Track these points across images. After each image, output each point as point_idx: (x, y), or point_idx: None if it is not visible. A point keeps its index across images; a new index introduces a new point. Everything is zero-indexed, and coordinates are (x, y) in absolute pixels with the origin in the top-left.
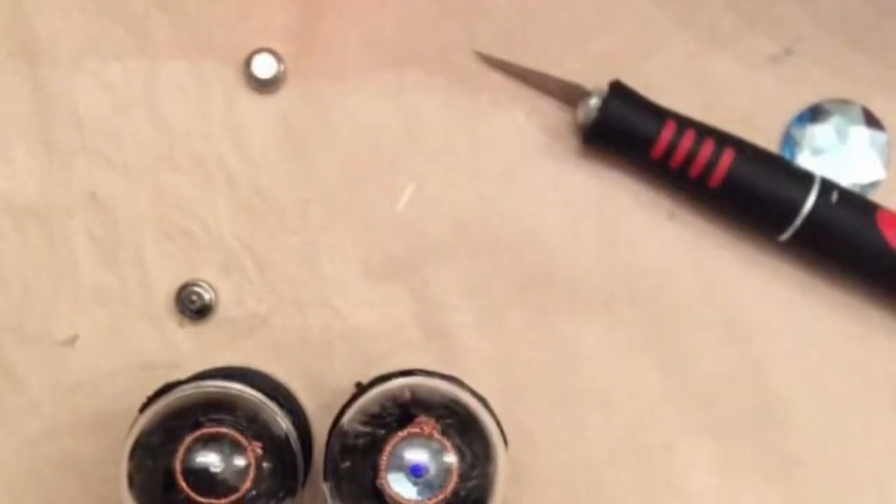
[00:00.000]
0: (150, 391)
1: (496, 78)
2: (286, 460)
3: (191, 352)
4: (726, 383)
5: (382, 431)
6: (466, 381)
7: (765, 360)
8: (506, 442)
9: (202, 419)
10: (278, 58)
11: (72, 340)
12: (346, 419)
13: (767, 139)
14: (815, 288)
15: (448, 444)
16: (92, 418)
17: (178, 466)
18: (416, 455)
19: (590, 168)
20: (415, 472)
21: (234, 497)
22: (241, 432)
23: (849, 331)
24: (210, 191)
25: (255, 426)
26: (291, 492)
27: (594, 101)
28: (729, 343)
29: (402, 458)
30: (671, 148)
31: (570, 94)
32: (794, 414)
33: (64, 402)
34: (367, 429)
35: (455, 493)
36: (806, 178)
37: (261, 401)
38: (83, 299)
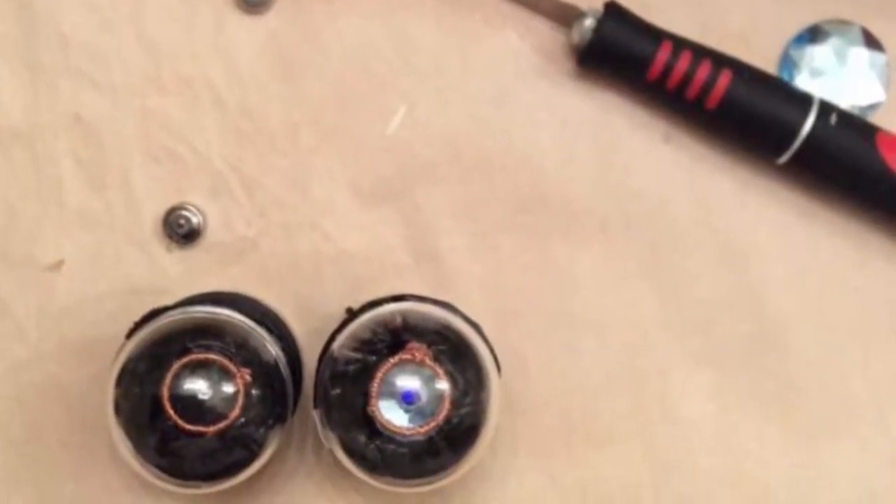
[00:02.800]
0: (136, 317)
1: None
2: (275, 387)
3: (178, 277)
4: (723, 309)
5: (373, 358)
6: (459, 306)
7: (762, 285)
8: (499, 368)
9: (190, 345)
10: None
11: (57, 265)
12: (336, 345)
13: (765, 61)
14: (814, 212)
15: (440, 370)
16: (78, 344)
17: (165, 393)
18: (408, 382)
19: (584, 90)
20: (406, 399)
21: (222, 424)
22: (230, 359)
23: (847, 255)
24: (198, 113)
25: (243, 352)
26: (281, 419)
27: (589, 22)
28: (725, 268)
29: (393, 384)
30: (667, 69)
31: (564, 15)
32: (791, 340)
33: (49, 327)
34: (358, 355)
35: (447, 420)
36: (804, 100)
37: (250, 327)
38: (69, 223)
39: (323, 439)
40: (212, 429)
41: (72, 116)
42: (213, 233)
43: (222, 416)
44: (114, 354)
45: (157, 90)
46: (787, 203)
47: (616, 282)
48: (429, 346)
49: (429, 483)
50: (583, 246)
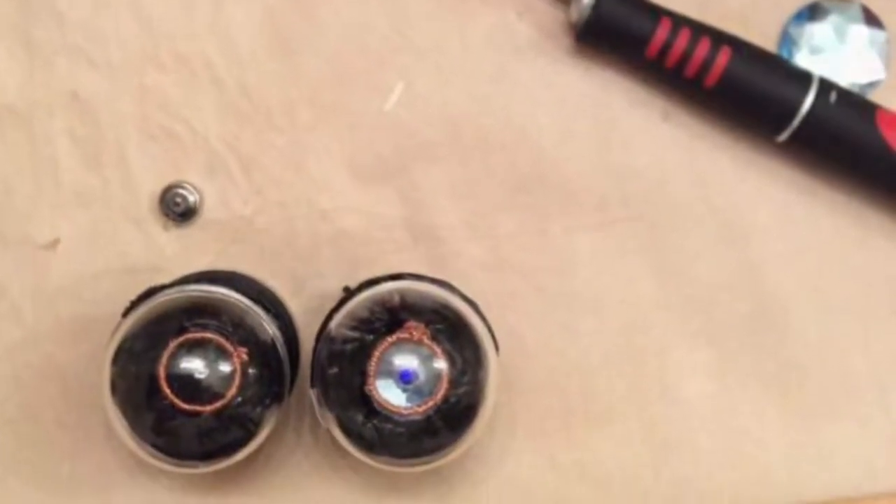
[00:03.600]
0: (133, 295)
1: None
2: (272, 366)
3: (175, 255)
4: (722, 288)
5: (371, 337)
6: (457, 285)
7: (762, 263)
8: (497, 347)
9: (187, 324)
10: None
11: (53, 244)
12: (333, 324)
13: (764, 38)
14: (813, 190)
15: (438, 349)
16: (74, 323)
17: (161, 373)
18: (406, 361)
19: (583, 68)
20: (404, 379)
21: (219, 404)
22: (227, 337)
23: (847, 234)
24: (195, 91)
25: (240, 331)
26: (278, 398)
27: None
28: (725, 247)
29: (390, 363)
30: (666, 47)
31: None
32: (791, 318)
33: (45, 307)
34: (355, 334)
35: (445, 399)
36: (804, 78)
37: (246, 305)
38: (65, 202)
39: (320, 419)
40: (208, 408)
41: (68, 94)
42: (210, 211)
43: (219, 396)
44: (110, 333)
45: (153, 68)
46: (786, 181)
47: (614, 261)
48: (426, 324)
49: (426, 462)
50: (581, 224)
